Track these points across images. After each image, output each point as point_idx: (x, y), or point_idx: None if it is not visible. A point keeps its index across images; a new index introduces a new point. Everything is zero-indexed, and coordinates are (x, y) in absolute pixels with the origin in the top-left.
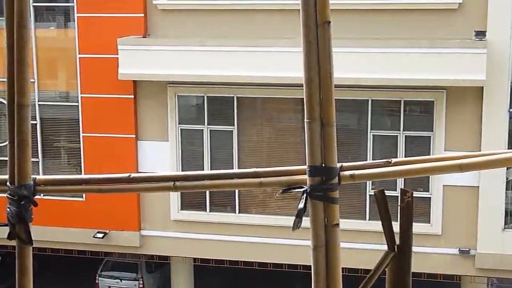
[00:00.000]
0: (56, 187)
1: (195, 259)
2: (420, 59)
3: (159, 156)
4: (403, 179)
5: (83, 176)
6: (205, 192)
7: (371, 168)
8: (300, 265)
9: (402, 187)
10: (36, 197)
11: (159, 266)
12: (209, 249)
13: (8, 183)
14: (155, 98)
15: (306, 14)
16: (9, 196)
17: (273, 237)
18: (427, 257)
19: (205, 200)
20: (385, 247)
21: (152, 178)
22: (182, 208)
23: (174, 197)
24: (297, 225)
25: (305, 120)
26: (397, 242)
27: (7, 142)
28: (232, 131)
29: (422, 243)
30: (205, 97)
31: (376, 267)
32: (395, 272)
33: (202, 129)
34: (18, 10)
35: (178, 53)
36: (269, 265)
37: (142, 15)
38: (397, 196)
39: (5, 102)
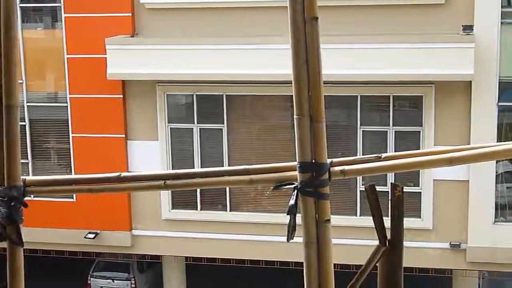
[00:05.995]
0: (46, 188)
1: (187, 258)
2: (408, 54)
3: (149, 156)
4: (393, 174)
5: (73, 176)
6: (196, 190)
7: (362, 164)
8: (292, 262)
9: (393, 182)
10: (26, 198)
11: (150, 265)
12: (200, 247)
13: None
14: (144, 98)
15: (294, 10)
16: None
17: (265, 234)
18: (418, 251)
19: (196, 199)
20: (376, 243)
21: (142, 177)
22: (173, 207)
23: (165, 196)
24: (291, 231)
25: (295, 116)
26: (388, 237)
27: None
28: (222, 129)
29: (413, 238)
30: (194, 96)
31: (367, 262)
32: (387, 266)
33: (192, 128)
34: (5, 11)
35: (166, 52)
36: (261, 262)
37: (130, 14)
38: (388, 192)
39: None
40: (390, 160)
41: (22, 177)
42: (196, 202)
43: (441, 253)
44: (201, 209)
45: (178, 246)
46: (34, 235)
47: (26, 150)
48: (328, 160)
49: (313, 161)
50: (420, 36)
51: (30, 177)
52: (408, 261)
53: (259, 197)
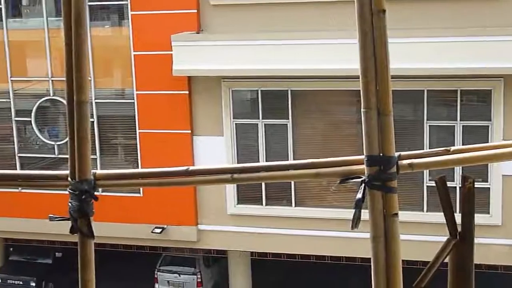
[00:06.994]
0: (115, 182)
1: (252, 253)
2: (476, 48)
3: (214, 151)
4: (460, 170)
5: (141, 170)
6: (261, 185)
7: (430, 157)
8: (357, 257)
9: (463, 174)
10: (96, 193)
11: (216, 260)
12: (266, 242)
13: (69, 178)
14: (210, 93)
15: (361, 3)
16: (70, 191)
17: (330, 229)
18: (487, 248)
19: (261, 194)
20: (443, 239)
21: (210, 171)
22: (238, 202)
23: (230, 191)
24: (356, 221)
25: (362, 109)
26: (459, 230)
27: (67, 139)
28: (286, 124)
29: (481, 234)
30: (259, 91)
31: (437, 255)
32: (458, 260)
33: (257, 123)
34: (76, 9)
35: (231, 48)
36: (326, 258)
37: (195, 11)
38: (455, 187)
39: (62, 100)
40: (459, 153)
41: (92, 171)
42: (261, 197)
43: (510, 250)
44: (266, 204)
45: (243, 241)
46: (103, 230)
47: (94, 146)
48: (396, 154)
49: (381, 154)
50: (489, 29)
51: (100, 171)
52: (476, 257)
53: (324, 192)
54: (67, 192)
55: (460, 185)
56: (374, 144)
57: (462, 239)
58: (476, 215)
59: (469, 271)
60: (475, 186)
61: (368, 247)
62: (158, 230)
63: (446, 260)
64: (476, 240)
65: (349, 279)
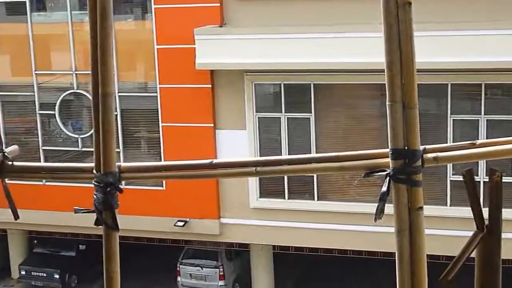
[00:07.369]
0: (139, 174)
1: (274, 247)
2: (501, 41)
3: (237, 145)
4: (485, 164)
5: (165, 163)
6: (284, 179)
7: (455, 150)
8: (379, 252)
9: (485, 172)
10: (120, 186)
11: (238, 253)
12: (288, 236)
13: (94, 171)
14: (232, 87)
15: None
16: (95, 183)
17: (353, 223)
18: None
19: (284, 188)
20: (467, 233)
21: (233, 164)
22: (260, 196)
23: (253, 185)
24: (379, 213)
25: (387, 102)
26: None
27: (91, 133)
28: (309, 118)
29: (508, 229)
30: (282, 85)
31: (464, 249)
32: (485, 254)
33: (280, 117)
34: (101, 2)
35: (254, 41)
36: (349, 252)
37: (218, 4)
38: (479, 181)
39: (86, 94)
40: (485, 147)
41: (116, 163)
42: (284, 191)
43: None
44: (288, 198)
45: (265, 235)
46: (126, 223)
47: (118, 139)
48: (421, 147)
49: (406, 148)
50: None
51: (125, 164)
52: (503, 252)
53: (347, 186)
54: (91, 185)
55: (484, 179)
56: (399, 137)
57: (489, 232)
58: None
59: (496, 265)
60: None
61: (392, 241)
62: (181, 223)
63: (473, 254)
64: (503, 235)
65: (372, 273)
